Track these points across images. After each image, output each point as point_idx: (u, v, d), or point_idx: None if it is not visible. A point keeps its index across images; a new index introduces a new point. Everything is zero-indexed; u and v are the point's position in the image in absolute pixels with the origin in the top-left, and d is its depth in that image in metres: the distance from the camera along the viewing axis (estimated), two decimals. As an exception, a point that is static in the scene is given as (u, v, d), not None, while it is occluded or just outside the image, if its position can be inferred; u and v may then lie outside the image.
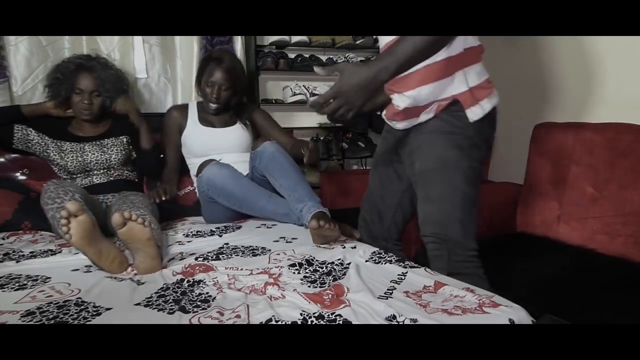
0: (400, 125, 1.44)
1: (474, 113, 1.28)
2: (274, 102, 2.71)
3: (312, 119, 2.84)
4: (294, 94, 2.69)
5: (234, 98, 2.11)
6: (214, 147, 2.06)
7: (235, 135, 2.10)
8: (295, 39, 2.66)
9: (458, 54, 1.27)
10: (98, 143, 1.96)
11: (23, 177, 2.01)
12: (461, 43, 1.27)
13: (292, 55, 2.73)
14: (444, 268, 1.30)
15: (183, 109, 2.16)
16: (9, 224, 1.78)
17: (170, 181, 2.04)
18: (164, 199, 1.80)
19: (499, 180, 2.32)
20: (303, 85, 2.71)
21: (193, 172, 2.11)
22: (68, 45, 2.27)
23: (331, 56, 2.81)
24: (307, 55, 2.75)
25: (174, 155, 2.11)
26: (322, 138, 2.81)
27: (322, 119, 2.81)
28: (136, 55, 2.42)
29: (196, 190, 2.02)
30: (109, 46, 2.36)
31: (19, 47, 2.19)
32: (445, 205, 1.30)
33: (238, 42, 2.61)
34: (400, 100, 1.37)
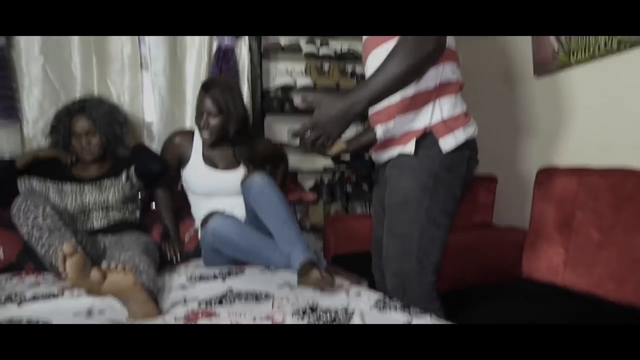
0: (379, 157, 1.47)
1: (447, 143, 1.29)
2: (279, 144, 2.74)
3: (317, 162, 2.87)
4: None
5: (228, 127, 1.99)
6: (215, 190, 2.03)
7: (236, 181, 2.00)
8: (300, 83, 2.72)
9: (434, 87, 1.31)
10: (97, 184, 1.97)
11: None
12: (436, 77, 1.30)
13: (297, 99, 2.78)
14: (400, 301, 1.32)
15: (188, 137, 2.07)
16: (13, 265, 1.78)
17: (172, 225, 2.06)
18: (179, 260, 1.86)
19: (504, 224, 2.31)
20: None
21: (194, 209, 2.09)
22: (80, 89, 2.33)
23: (336, 100, 2.86)
24: (313, 99, 2.81)
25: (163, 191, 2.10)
26: (326, 181, 2.83)
27: (327, 162, 2.84)
28: (145, 98, 2.48)
29: (199, 237, 2.00)
30: (119, 89, 2.42)
31: (33, 90, 2.25)
32: (404, 240, 1.34)
33: (244, 86, 2.67)
34: (379, 131, 1.42)
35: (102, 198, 1.94)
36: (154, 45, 2.47)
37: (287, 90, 2.76)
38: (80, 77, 2.35)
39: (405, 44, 1.14)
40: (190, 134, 2.09)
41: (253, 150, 2.10)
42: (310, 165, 2.87)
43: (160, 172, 2.02)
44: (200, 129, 2.00)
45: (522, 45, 2.14)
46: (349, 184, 2.84)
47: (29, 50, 2.26)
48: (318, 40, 2.80)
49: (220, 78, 2.20)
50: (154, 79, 2.47)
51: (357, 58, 2.87)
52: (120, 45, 2.42)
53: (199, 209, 2.07)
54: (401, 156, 1.36)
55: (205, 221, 1.87)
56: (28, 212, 1.57)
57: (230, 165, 2.07)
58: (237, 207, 1.95)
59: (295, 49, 2.74)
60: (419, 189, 1.31)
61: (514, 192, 2.29)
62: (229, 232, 1.75)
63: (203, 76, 2.51)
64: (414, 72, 1.18)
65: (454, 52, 1.36)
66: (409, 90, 1.29)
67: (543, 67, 2.05)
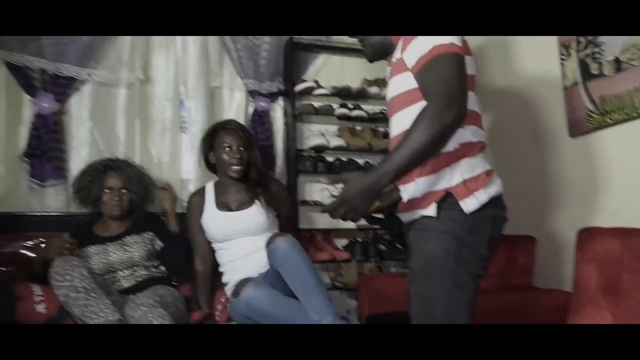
0: (404, 218, 1.47)
1: (468, 204, 1.28)
2: (312, 203, 2.77)
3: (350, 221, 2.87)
4: (332, 196, 2.74)
5: (252, 161, 2.13)
6: (232, 232, 2.06)
7: (252, 218, 2.07)
8: (333, 143, 2.78)
9: (453, 150, 1.30)
10: (120, 242, 2.03)
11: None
12: (456, 140, 1.29)
13: (330, 159, 2.83)
14: None
15: (201, 192, 2.19)
16: (52, 320, 1.80)
17: (205, 292, 2.06)
18: None
19: (546, 287, 2.23)
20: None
21: (220, 257, 2.11)
22: (123, 150, 2.44)
23: (368, 160, 2.90)
24: (345, 159, 2.85)
25: (203, 241, 2.13)
26: (360, 240, 2.81)
27: (360, 221, 2.83)
28: (184, 157, 2.58)
29: (228, 304, 2.00)
30: (159, 150, 2.53)
31: (80, 151, 2.38)
32: (430, 305, 1.30)
33: (279, 146, 2.76)
34: (403, 193, 1.43)
35: (127, 256, 1.99)
36: (194, 108, 2.59)
37: (320, 150, 2.82)
38: (123, 139, 2.48)
39: (427, 115, 1.16)
40: (202, 188, 2.20)
41: (265, 190, 2.16)
42: (343, 223, 2.87)
43: (185, 267, 2.09)
44: (226, 165, 2.10)
45: (555, 106, 2.15)
46: (382, 242, 2.82)
47: (79, 115, 2.42)
48: (350, 104, 2.88)
49: (230, 119, 2.32)
50: (192, 140, 2.57)
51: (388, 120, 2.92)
52: (162, 109, 2.55)
53: (223, 256, 2.10)
54: (423, 218, 1.34)
55: (237, 290, 1.88)
56: (65, 275, 1.63)
57: (244, 204, 2.11)
58: (256, 253, 1.97)
59: (328, 111, 2.82)
60: (442, 252, 1.29)
61: (553, 253, 2.22)
62: (262, 303, 1.76)
63: (239, 137, 2.60)
64: (437, 143, 1.19)
65: (476, 115, 1.37)
66: None
67: (577, 127, 2.05)
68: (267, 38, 2.74)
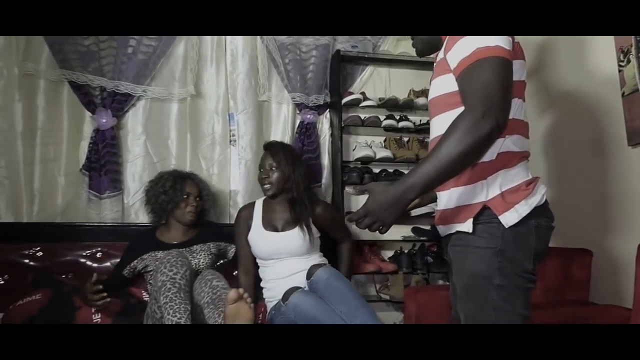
0: (441, 230, 1.39)
1: (508, 218, 1.19)
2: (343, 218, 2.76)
3: (396, 231, 2.84)
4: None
5: (288, 183, 2.16)
6: (275, 252, 2.12)
7: (294, 241, 2.12)
8: (380, 154, 2.77)
9: (490, 160, 1.21)
10: (187, 249, 2.10)
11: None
12: (494, 150, 1.20)
13: (376, 170, 2.82)
14: None
15: (250, 207, 2.26)
16: (108, 328, 1.88)
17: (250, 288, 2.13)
18: None
19: (603, 302, 2.12)
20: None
21: (262, 273, 2.17)
22: (175, 162, 2.54)
23: (415, 171, 2.87)
24: (392, 170, 2.83)
25: (248, 255, 2.20)
26: (406, 251, 2.78)
27: (406, 232, 2.80)
28: (232, 170, 2.64)
29: (271, 314, 2.04)
30: (208, 162, 2.61)
31: (136, 164, 2.50)
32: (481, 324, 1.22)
33: (325, 158, 2.78)
34: (438, 200, 1.37)
35: (194, 262, 2.06)
36: (242, 122, 2.66)
37: (366, 162, 2.82)
38: (175, 152, 2.57)
39: (461, 125, 1.07)
40: (252, 204, 2.27)
41: (309, 212, 2.19)
42: (389, 234, 2.85)
43: None
44: (261, 185, 2.18)
45: (613, 114, 2.06)
46: (429, 254, 2.77)
47: (134, 129, 2.53)
48: (397, 115, 2.87)
49: (276, 141, 2.37)
50: (241, 152, 2.64)
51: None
52: (212, 122, 2.63)
53: (265, 273, 2.16)
54: (460, 233, 1.27)
55: (286, 296, 1.92)
56: (173, 266, 1.76)
57: (289, 224, 2.16)
58: (299, 272, 2.02)
59: (374, 123, 2.82)
60: (485, 269, 1.21)
61: (610, 267, 2.12)
62: (310, 308, 1.81)
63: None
64: (470, 156, 1.09)
65: (521, 124, 1.27)
66: None
67: (638, 135, 1.95)
68: (314, 52, 2.78)
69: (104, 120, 2.40)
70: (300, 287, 1.96)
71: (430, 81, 1.34)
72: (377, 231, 1.22)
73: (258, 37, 2.72)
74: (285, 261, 2.10)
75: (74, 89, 2.41)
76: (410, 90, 2.95)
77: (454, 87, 1.20)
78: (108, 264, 2.22)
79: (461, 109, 1.13)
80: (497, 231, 1.20)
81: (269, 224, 2.18)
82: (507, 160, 1.23)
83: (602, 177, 2.17)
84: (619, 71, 1.98)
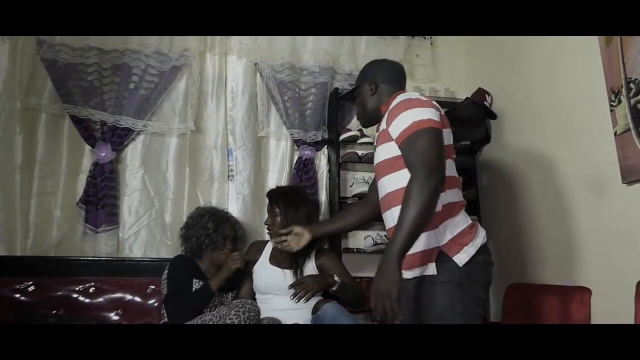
0: (405, 274, 1.50)
1: (461, 259, 1.45)
2: (355, 251, 2.75)
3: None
4: (375, 244, 2.72)
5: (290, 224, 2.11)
6: (273, 286, 2.10)
7: (288, 280, 2.08)
8: (377, 191, 2.77)
9: (437, 212, 1.42)
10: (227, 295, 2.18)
11: (116, 318, 2.13)
12: (439, 203, 1.41)
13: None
14: None
15: (262, 244, 2.26)
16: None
17: None
18: None
19: (604, 343, 2.09)
20: (384, 235, 2.75)
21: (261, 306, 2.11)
22: (172, 196, 2.54)
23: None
24: (389, 207, 2.83)
25: (248, 289, 2.20)
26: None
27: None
28: (230, 205, 2.64)
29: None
30: (206, 197, 2.61)
31: (133, 197, 2.50)
32: None
33: (323, 194, 2.79)
34: None
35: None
36: (241, 158, 2.68)
37: (363, 196, 2.82)
38: (173, 186, 2.58)
39: (413, 187, 1.33)
40: (265, 241, 2.28)
41: (309, 258, 2.17)
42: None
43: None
44: (268, 230, 2.19)
45: (606, 152, 2.09)
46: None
47: (133, 163, 2.54)
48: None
49: (285, 187, 2.40)
50: (238, 188, 2.65)
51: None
52: (211, 158, 2.65)
53: (261, 309, 2.07)
54: (424, 277, 1.48)
55: (316, 308, 1.97)
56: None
57: (291, 266, 2.15)
58: (288, 312, 2.02)
59: (372, 159, 2.83)
60: (449, 300, 1.42)
61: (609, 305, 2.10)
62: (336, 317, 1.87)
63: (284, 185, 2.65)
64: (427, 211, 1.34)
65: (454, 179, 1.55)
66: None
67: (632, 174, 1.97)
68: (312, 89, 2.83)
69: (104, 154, 2.41)
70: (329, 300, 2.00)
71: (375, 148, 1.62)
72: (392, 314, 1.28)
73: (258, 75, 2.78)
74: (283, 297, 2.07)
75: (75, 122, 2.43)
76: (406, 128, 2.98)
77: (396, 152, 1.48)
78: (101, 299, 2.18)
79: (403, 170, 1.44)
80: (453, 267, 1.44)
81: (275, 260, 2.18)
82: (450, 209, 1.49)
83: (599, 215, 2.18)
84: (611, 111, 2.03)
